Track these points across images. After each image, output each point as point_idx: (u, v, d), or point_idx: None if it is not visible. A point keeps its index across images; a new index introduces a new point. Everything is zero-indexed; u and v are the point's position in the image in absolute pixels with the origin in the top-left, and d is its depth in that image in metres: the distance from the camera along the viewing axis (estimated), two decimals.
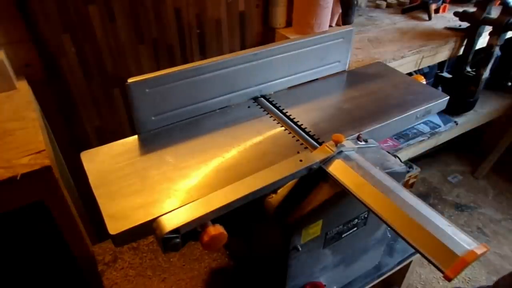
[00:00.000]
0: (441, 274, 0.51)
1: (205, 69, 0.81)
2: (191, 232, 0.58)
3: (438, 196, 2.03)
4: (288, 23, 1.41)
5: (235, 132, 0.82)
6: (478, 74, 1.59)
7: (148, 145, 0.77)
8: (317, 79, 1.01)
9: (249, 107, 0.90)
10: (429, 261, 0.53)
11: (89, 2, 1.05)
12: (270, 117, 0.86)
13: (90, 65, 1.14)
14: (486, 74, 1.58)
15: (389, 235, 1.00)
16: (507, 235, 1.81)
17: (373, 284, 0.99)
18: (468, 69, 1.63)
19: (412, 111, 0.89)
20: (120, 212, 0.61)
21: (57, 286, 1.26)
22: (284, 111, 0.88)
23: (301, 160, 0.68)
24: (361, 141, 0.77)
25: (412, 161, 1.87)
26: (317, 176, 0.69)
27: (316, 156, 0.69)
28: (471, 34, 1.50)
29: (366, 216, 0.82)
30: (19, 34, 1.01)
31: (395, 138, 1.57)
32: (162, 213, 0.59)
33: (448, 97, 0.95)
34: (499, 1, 1.54)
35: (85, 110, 1.20)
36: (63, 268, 1.17)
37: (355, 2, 1.37)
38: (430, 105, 0.92)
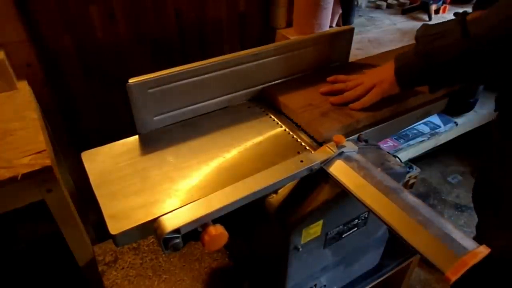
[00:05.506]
0: (441, 275, 0.51)
1: (205, 69, 0.81)
2: (191, 232, 0.58)
3: (438, 196, 2.03)
4: (289, 24, 1.41)
5: (236, 132, 0.82)
6: None
7: (149, 145, 0.77)
8: None
9: (249, 107, 0.90)
10: (430, 263, 0.53)
11: (89, 2, 1.05)
12: (270, 117, 0.86)
13: (90, 65, 1.14)
14: None
15: (389, 235, 1.00)
16: None
17: (373, 284, 0.99)
18: None
19: (412, 112, 0.89)
20: (121, 212, 0.61)
21: (58, 286, 1.26)
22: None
23: (302, 161, 0.68)
24: (361, 142, 0.77)
25: (412, 162, 1.86)
26: (317, 176, 0.70)
27: (317, 157, 0.69)
28: None
29: (366, 216, 0.82)
30: (19, 34, 1.01)
31: (395, 138, 1.57)
32: (163, 213, 0.59)
33: (448, 97, 0.95)
34: None
35: (85, 110, 1.20)
36: (63, 268, 1.17)
37: (355, 3, 1.37)
38: (430, 105, 0.92)
